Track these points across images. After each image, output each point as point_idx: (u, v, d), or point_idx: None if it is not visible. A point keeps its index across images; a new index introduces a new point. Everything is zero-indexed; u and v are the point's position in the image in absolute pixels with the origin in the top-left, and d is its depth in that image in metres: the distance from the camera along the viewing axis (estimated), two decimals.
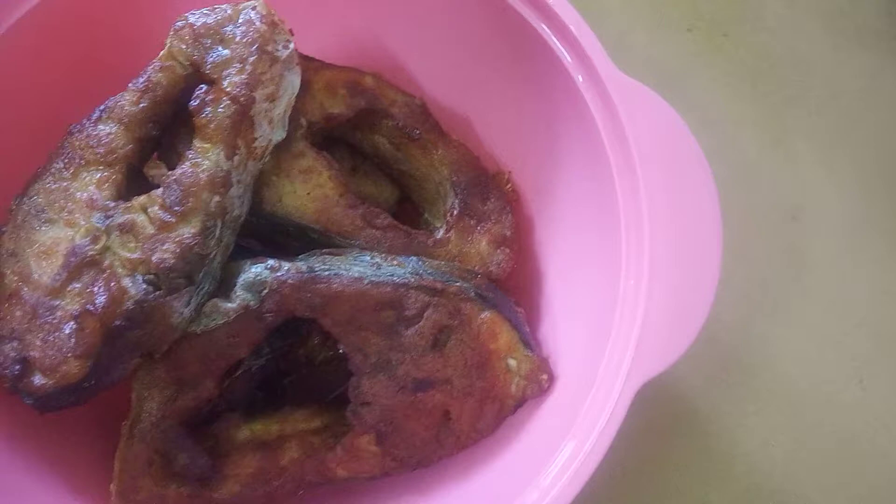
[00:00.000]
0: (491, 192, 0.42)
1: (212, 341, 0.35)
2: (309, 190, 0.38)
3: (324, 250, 0.37)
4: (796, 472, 0.48)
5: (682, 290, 0.33)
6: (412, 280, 0.36)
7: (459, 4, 0.40)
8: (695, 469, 0.47)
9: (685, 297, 0.33)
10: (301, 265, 0.35)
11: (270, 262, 0.36)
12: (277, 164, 0.38)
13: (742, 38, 0.56)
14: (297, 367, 0.41)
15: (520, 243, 0.42)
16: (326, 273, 0.35)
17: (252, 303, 0.35)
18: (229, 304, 0.35)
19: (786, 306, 0.52)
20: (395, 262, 0.37)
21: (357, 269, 0.36)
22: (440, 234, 0.41)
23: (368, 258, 0.37)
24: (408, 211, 0.46)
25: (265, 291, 0.35)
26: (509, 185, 0.43)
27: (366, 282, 0.35)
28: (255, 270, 0.35)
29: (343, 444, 0.37)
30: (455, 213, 0.41)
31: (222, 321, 0.35)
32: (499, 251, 0.41)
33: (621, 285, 0.34)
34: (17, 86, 0.37)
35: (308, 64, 0.40)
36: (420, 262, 0.37)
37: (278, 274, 0.35)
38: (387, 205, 0.44)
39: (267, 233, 0.40)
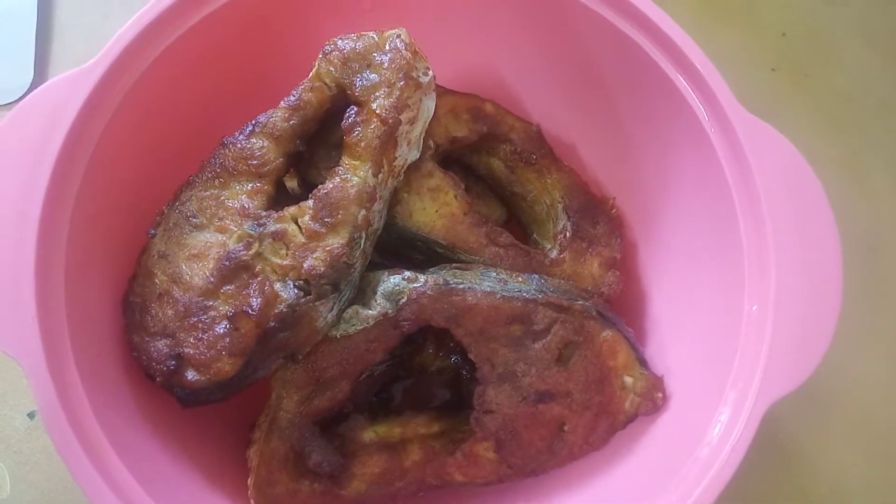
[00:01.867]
0: (600, 216, 0.44)
1: (350, 346, 0.37)
2: (437, 207, 0.41)
3: (453, 265, 0.39)
4: (874, 492, 0.49)
5: (806, 315, 0.34)
6: (540, 296, 0.38)
7: (579, 37, 0.43)
8: (774, 497, 0.49)
9: (810, 322, 0.35)
10: (437, 277, 0.37)
11: (407, 273, 0.38)
12: (408, 183, 0.41)
13: (824, 78, 0.58)
14: (411, 374, 0.43)
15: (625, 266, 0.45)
16: (462, 286, 0.37)
17: (390, 311, 0.37)
18: (369, 311, 0.37)
19: (863, 338, 0.53)
20: (519, 279, 0.39)
21: (487, 283, 0.38)
22: (554, 254, 0.43)
23: (494, 274, 0.39)
24: (513, 231, 0.48)
25: (403, 300, 0.37)
26: (614, 211, 0.46)
27: (497, 296, 0.37)
28: (394, 281, 0.37)
29: (463, 449, 0.38)
30: (568, 234, 0.43)
31: (361, 327, 0.37)
32: (609, 273, 0.43)
33: (745, 310, 0.36)
34: (178, 95, 0.40)
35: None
36: (543, 280, 0.39)
37: (416, 285, 0.37)
38: (496, 224, 0.47)
39: (393, 246, 0.42)
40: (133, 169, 0.39)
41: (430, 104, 0.40)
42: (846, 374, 0.52)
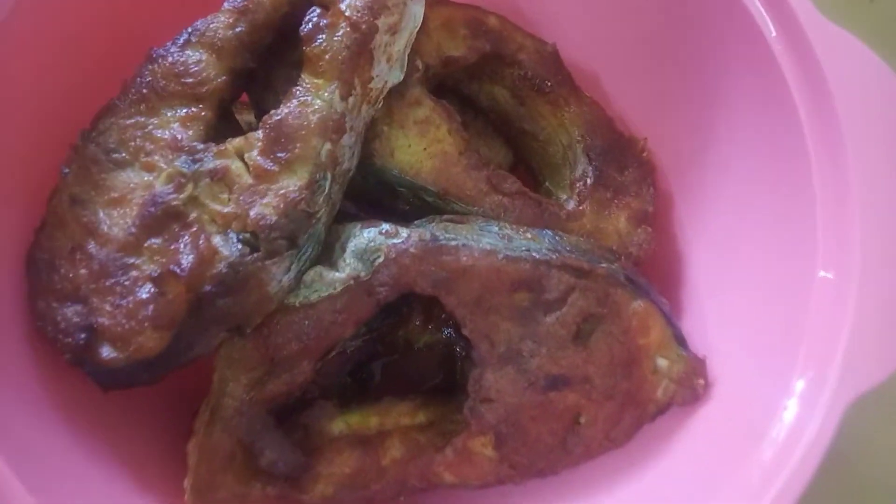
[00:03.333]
0: (629, 160, 0.36)
1: (312, 317, 0.30)
2: (426, 145, 0.32)
3: (444, 216, 0.32)
4: None
5: None
6: (554, 257, 0.30)
7: None
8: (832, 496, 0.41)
9: None
10: (423, 232, 0.29)
11: (386, 226, 0.30)
12: (389, 113, 0.32)
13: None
14: (393, 350, 0.36)
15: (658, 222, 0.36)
16: (454, 243, 0.29)
17: (363, 274, 0.29)
18: (336, 274, 0.29)
19: None
20: (528, 236, 0.31)
21: (487, 240, 0.30)
22: (572, 205, 0.35)
23: (497, 229, 0.31)
24: (520, 178, 0.39)
25: (379, 260, 0.29)
26: (646, 154, 0.37)
27: (500, 256, 0.29)
28: (369, 235, 0.30)
29: (454, 444, 0.31)
30: (589, 181, 0.35)
31: (326, 293, 0.29)
32: (640, 230, 0.35)
33: (816, 277, 0.28)
34: None
35: None
36: (557, 237, 0.31)
37: (396, 241, 0.29)
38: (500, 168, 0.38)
39: (370, 192, 0.34)
40: (41, 90, 0.31)
41: (417, 10, 0.32)
42: None
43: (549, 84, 0.36)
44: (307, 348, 0.30)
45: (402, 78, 0.32)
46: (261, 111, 0.33)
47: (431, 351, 0.36)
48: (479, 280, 0.29)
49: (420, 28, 0.33)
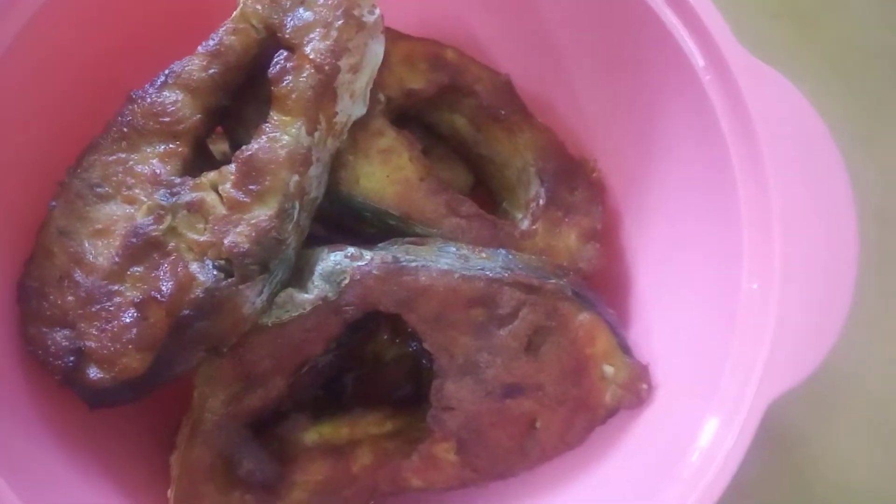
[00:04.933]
0: (578, 181, 0.39)
1: (284, 335, 0.32)
2: (388, 172, 0.35)
3: (406, 239, 0.34)
4: (882, 485, 0.45)
5: (817, 293, 0.29)
6: (506, 275, 0.32)
7: None
8: (773, 491, 0.44)
9: (820, 300, 0.29)
10: (385, 254, 0.32)
11: (351, 249, 0.32)
12: (354, 143, 0.35)
13: (832, 27, 0.52)
14: (363, 364, 0.38)
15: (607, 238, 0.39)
16: (414, 264, 0.32)
17: (330, 294, 0.32)
18: (306, 296, 0.32)
19: (873, 320, 0.48)
20: (483, 255, 0.34)
21: (445, 260, 0.33)
22: (526, 225, 0.37)
23: (454, 249, 0.34)
24: (481, 199, 0.42)
25: (345, 282, 0.32)
26: (595, 174, 0.40)
27: (456, 275, 0.32)
28: (335, 258, 0.32)
29: (420, 451, 0.33)
30: (541, 202, 0.38)
31: (297, 313, 0.32)
32: (588, 246, 0.37)
33: (743, 288, 0.31)
34: (73, 43, 0.34)
35: (385, 33, 0.37)
36: (510, 256, 0.34)
37: (360, 263, 0.32)
38: (461, 191, 0.41)
39: (338, 217, 0.36)
40: (31, 130, 0.33)
41: (377, 49, 0.34)
42: (855, 360, 0.47)
43: (504, 112, 0.38)
44: (280, 365, 0.32)
45: (365, 111, 0.34)
46: (234, 142, 0.36)
47: (399, 364, 0.38)
48: (438, 298, 0.32)
49: (382, 62, 0.35)
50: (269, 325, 0.32)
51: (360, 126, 0.35)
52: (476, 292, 0.32)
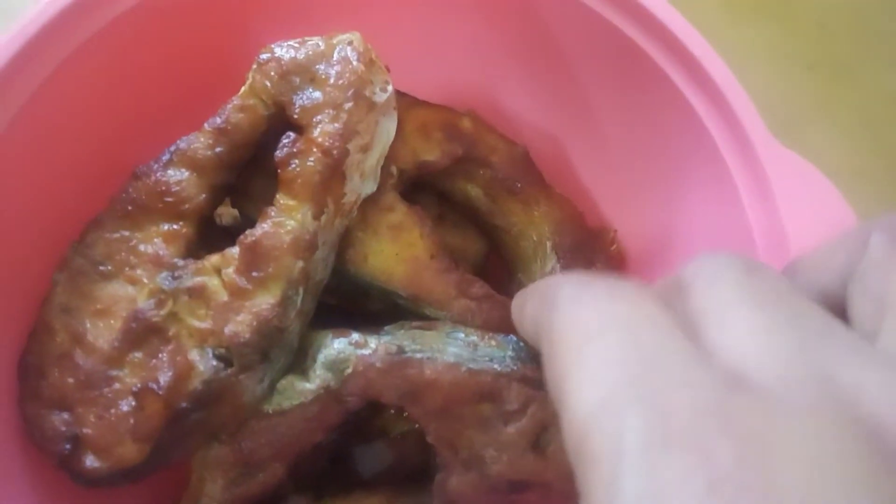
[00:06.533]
0: (597, 255, 0.37)
1: (284, 424, 0.31)
2: (398, 250, 0.34)
3: (413, 323, 0.33)
4: None
5: None
6: (516, 369, 0.31)
7: (578, 43, 0.35)
8: None
9: None
10: (390, 345, 0.31)
11: (355, 336, 0.31)
12: (364, 219, 0.34)
13: (870, 79, 0.50)
14: (370, 438, 0.37)
15: None
16: (419, 356, 0.31)
17: (333, 384, 0.31)
18: (307, 385, 0.31)
19: None
20: (492, 343, 0.32)
21: (452, 349, 0.31)
22: None
23: (463, 335, 0.32)
24: (495, 265, 0.41)
25: (348, 371, 0.31)
26: (615, 246, 0.38)
27: (463, 369, 0.31)
28: (339, 346, 0.31)
29: None
30: None
31: (298, 402, 0.31)
32: None
33: None
34: (79, 117, 0.33)
35: (399, 100, 0.35)
36: (520, 344, 0.33)
37: (364, 352, 0.31)
38: (475, 259, 0.40)
39: (345, 292, 0.35)
40: (36, 202, 0.33)
41: (389, 126, 0.33)
42: None
43: (520, 185, 0.37)
44: (280, 453, 0.31)
45: (375, 188, 0.33)
46: (242, 214, 0.35)
47: (405, 439, 0.37)
48: (443, 393, 0.30)
49: (396, 132, 0.34)
50: (270, 411, 0.31)
51: (370, 201, 0.34)
52: (483, 387, 0.31)
